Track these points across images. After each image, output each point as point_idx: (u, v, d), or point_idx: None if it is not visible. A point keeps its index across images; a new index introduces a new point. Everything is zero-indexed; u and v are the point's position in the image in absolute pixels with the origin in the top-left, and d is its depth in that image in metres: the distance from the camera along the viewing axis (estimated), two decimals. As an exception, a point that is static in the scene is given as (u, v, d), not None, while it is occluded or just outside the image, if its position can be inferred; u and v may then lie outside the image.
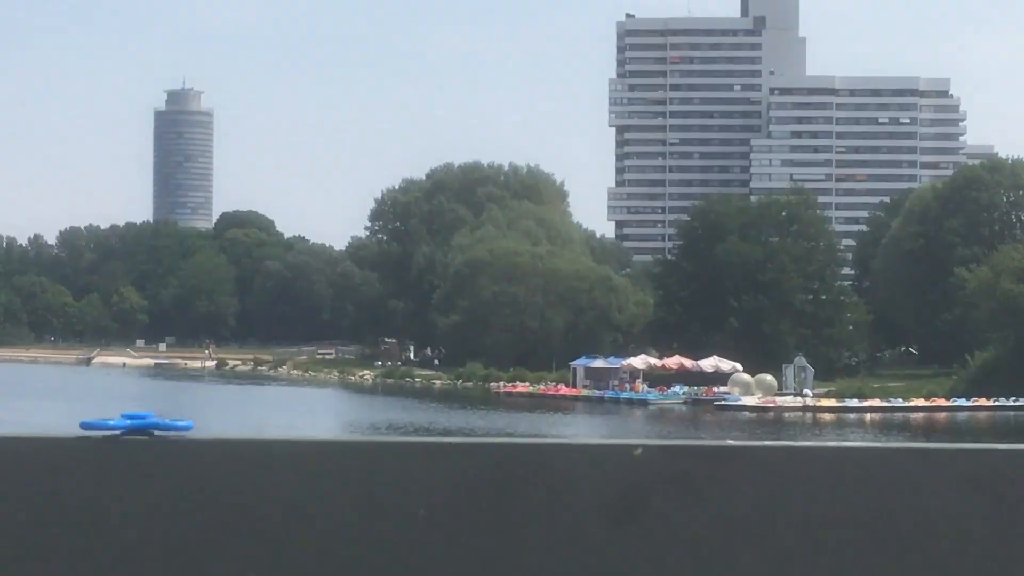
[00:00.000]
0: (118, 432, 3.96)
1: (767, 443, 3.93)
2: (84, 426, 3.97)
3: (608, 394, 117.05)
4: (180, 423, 3.98)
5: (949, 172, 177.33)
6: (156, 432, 3.97)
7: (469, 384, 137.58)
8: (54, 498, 3.92)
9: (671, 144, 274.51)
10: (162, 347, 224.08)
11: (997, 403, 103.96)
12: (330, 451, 4.02)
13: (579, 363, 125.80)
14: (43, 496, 3.92)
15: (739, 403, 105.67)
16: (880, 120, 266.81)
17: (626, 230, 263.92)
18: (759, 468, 3.88)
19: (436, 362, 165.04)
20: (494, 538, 3.90)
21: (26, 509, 3.91)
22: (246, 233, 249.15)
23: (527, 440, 4.00)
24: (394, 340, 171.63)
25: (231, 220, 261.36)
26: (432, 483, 3.92)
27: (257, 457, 3.97)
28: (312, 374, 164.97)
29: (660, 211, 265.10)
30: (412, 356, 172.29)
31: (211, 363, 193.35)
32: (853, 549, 3.85)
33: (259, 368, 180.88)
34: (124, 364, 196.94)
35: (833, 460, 3.91)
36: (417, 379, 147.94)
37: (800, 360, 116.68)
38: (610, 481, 3.88)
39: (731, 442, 3.92)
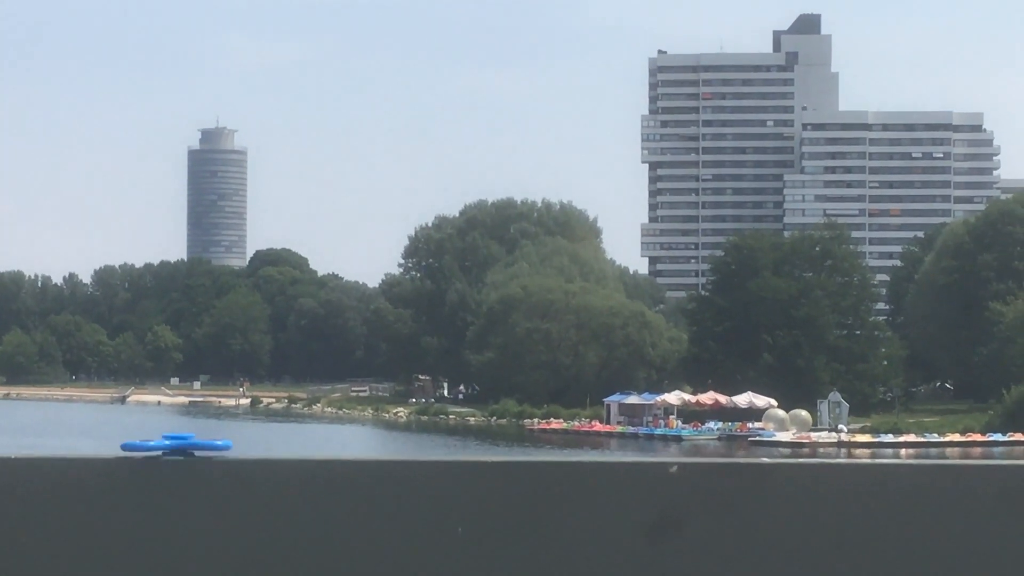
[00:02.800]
0: (159, 453, 4.02)
1: (801, 460, 3.96)
2: (125, 447, 4.03)
3: (642, 430, 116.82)
4: (219, 443, 4.03)
5: (983, 207, 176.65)
6: (196, 452, 4.03)
7: (503, 421, 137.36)
8: (97, 517, 3.96)
9: (704, 180, 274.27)
10: (196, 385, 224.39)
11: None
12: (368, 471, 4.05)
13: (613, 399, 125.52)
14: (86, 515, 3.96)
15: (773, 439, 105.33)
16: (913, 155, 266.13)
17: (659, 266, 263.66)
18: (794, 485, 3.90)
19: (460, 396, 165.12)
20: (531, 556, 3.92)
21: (70, 528, 3.96)
22: (280, 271, 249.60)
23: (563, 459, 4.03)
24: (428, 377, 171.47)
25: (265, 258, 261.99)
26: (469, 502, 3.95)
27: (296, 477, 4.01)
28: (346, 411, 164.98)
29: (693, 247, 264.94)
30: (446, 393, 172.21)
31: (245, 401, 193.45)
32: (887, 565, 3.86)
33: (293, 406, 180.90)
34: (159, 402, 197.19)
35: (867, 477, 3.93)
36: (451, 416, 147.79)
37: (835, 395, 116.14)
38: (646, 498, 3.90)
39: (766, 460, 3.95)
